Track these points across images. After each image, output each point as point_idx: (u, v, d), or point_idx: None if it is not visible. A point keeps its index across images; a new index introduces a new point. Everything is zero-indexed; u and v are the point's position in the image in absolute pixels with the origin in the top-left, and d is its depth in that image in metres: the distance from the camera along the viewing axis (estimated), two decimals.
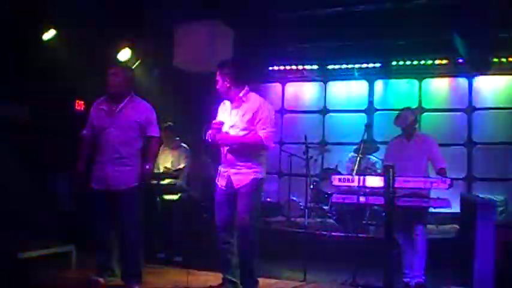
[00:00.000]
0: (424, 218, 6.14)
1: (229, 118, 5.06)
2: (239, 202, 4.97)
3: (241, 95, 5.02)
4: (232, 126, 5.01)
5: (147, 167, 5.27)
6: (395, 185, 5.57)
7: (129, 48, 8.50)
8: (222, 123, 5.00)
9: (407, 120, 6.33)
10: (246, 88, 5.06)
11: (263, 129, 4.91)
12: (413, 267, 6.09)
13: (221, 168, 5.14)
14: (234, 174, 4.97)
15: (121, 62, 8.37)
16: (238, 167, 4.98)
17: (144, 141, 5.32)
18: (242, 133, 4.96)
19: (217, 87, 5.05)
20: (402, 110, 6.57)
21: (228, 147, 5.00)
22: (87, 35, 7.53)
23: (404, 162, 6.18)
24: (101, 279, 5.18)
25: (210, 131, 5.03)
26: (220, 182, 5.11)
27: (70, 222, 6.94)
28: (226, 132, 4.98)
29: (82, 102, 8.39)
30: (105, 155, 5.17)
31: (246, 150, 4.95)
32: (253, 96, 5.07)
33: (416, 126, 6.56)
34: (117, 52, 8.41)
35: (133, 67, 8.62)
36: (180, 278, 5.74)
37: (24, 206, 6.84)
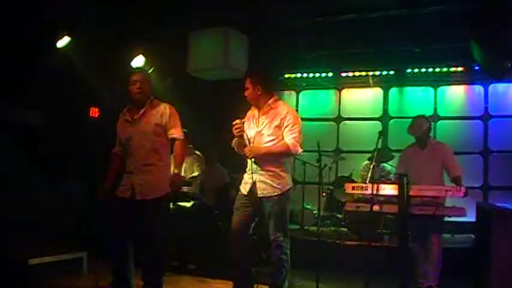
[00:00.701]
0: (439, 226, 6.08)
1: (257, 125, 5.09)
2: (268, 219, 5.02)
3: (270, 102, 5.08)
4: (259, 133, 5.04)
5: (176, 172, 5.19)
6: (410, 193, 5.55)
7: (143, 55, 8.52)
8: (242, 122, 5.00)
9: (422, 128, 6.28)
10: (275, 96, 5.15)
11: (290, 135, 4.96)
12: (427, 276, 6.03)
13: (245, 175, 5.14)
14: (260, 182, 4.99)
15: (136, 68, 8.39)
16: (265, 175, 4.98)
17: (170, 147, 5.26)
18: (269, 139, 5.00)
19: (247, 94, 5.10)
20: (416, 118, 6.51)
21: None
22: (101, 42, 7.56)
23: (419, 170, 6.14)
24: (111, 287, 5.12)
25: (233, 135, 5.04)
26: (243, 188, 5.11)
27: (83, 229, 6.95)
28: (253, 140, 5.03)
29: (96, 109, 8.43)
30: (132, 164, 5.10)
31: (273, 157, 4.99)
32: (281, 103, 5.15)
33: (431, 134, 6.50)
34: (131, 59, 8.43)
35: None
36: (193, 286, 5.72)
37: (38, 213, 6.86)
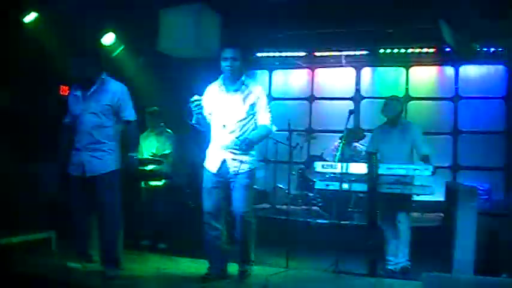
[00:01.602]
0: (407, 205, 6.16)
1: (224, 100, 5.03)
2: (238, 193, 5.01)
3: (243, 78, 5.05)
4: (231, 109, 5.00)
5: (132, 155, 5.21)
6: (379, 172, 5.62)
7: (114, 32, 8.42)
8: (199, 99, 4.88)
9: (395, 110, 6.34)
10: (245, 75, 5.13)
11: (266, 114, 5.04)
12: (397, 254, 6.13)
13: (213, 152, 5.11)
14: (232, 160, 4.98)
15: (103, 46, 8.29)
16: (236, 152, 4.97)
17: (123, 127, 5.23)
18: (242, 117, 4.97)
19: (232, 65, 4.95)
20: (389, 99, 6.55)
21: (227, 131, 4.97)
22: (71, 18, 7.41)
23: (389, 149, 6.22)
24: (79, 265, 5.15)
25: (193, 110, 4.91)
26: (212, 167, 5.08)
27: (52, 209, 6.89)
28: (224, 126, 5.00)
29: (66, 87, 8.30)
30: (81, 141, 5.08)
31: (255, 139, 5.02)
32: (251, 81, 5.15)
33: (402, 114, 6.56)
34: (102, 36, 8.32)
35: (117, 52, 8.58)
36: (163, 265, 5.73)
37: (5, 193, 6.78)
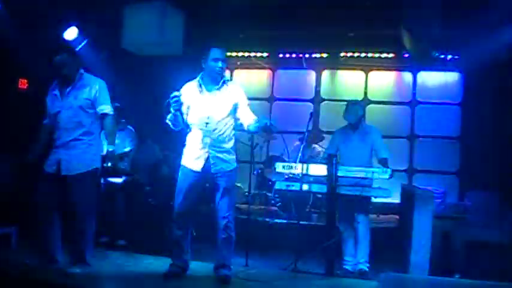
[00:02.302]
0: (366, 207, 6.28)
1: (206, 99, 5.01)
2: (221, 194, 5.04)
3: (226, 78, 5.14)
4: (214, 109, 4.98)
5: (109, 149, 5.16)
6: (338, 174, 5.72)
7: (76, 27, 8.32)
8: (179, 96, 4.86)
9: (357, 115, 6.44)
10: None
11: (250, 113, 5.08)
12: (356, 255, 6.23)
13: (193, 151, 5.06)
14: (214, 158, 4.99)
15: (65, 41, 8.18)
16: (220, 151, 5.02)
17: (99, 121, 5.19)
18: (224, 116, 4.99)
19: (219, 67, 4.97)
20: (350, 103, 6.64)
21: (215, 131, 4.97)
22: (32, 10, 7.31)
23: (349, 152, 6.34)
24: (39, 263, 5.07)
25: (172, 106, 4.89)
26: (194, 165, 5.04)
27: (10, 204, 6.77)
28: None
29: (25, 80, 8.17)
30: (60, 138, 5.03)
31: (229, 135, 5.09)
32: (232, 82, 5.27)
33: (363, 118, 6.68)
34: (64, 30, 8.22)
35: (79, 46, 8.47)
36: (123, 261, 5.70)
37: None
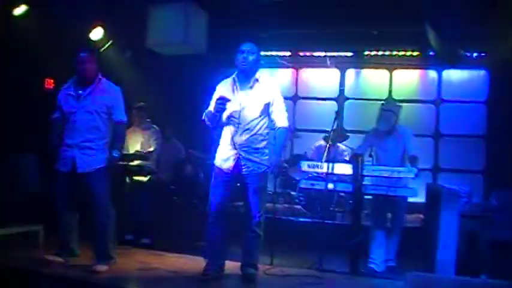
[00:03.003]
0: (399, 206, 6.29)
1: (238, 98, 4.94)
2: (250, 196, 4.98)
3: (257, 76, 5.00)
4: (245, 107, 4.93)
5: (115, 154, 5.23)
6: (364, 173, 5.71)
7: (102, 27, 8.40)
8: (227, 100, 4.85)
9: (391, 122, 6.38)
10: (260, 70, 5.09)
11: (282, 114, 5.00)
12: (384, 255, 6.23)
13: (225, 150, 5.02)
14: (245, 159, 4.92)
15: (91, 41, 8.26)
16: (251, 152, 4.95)
17: (112, 126, 5.28)
18: (256, 115, 4.91)
19: (247, 61, 4.93)
20: (383, 110, 6.53)
21: (247, 131, 4.92)
22: (59, 12, 7.39)
23: (383, 155, 6.33)
24: (60, 259, 5.18)
25: (214, 109, 4.91)
26: (224, 166, 5.00)
27: (37, 203, 6.86)
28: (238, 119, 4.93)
29: (52, 80, 8.27)
30: (73, 138, 5.12)
31: (263, 137, 5.00)
32: (266, 78, 5.11)
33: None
34: (89, 31, 8.31)
35: (105, 47, 8.55)
36: (148, 259, 5.75)
37: None
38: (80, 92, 5.14)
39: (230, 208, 5.23)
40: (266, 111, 4.96)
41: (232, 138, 4.96)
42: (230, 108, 4.92)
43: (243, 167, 4.93)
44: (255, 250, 5.13)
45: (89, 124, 5.10)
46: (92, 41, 8.31)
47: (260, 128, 4.97)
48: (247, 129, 4.92)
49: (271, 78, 5.17)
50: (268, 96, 4.96)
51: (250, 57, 4.92)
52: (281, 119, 4.99)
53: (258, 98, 4.94)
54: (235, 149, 4.95)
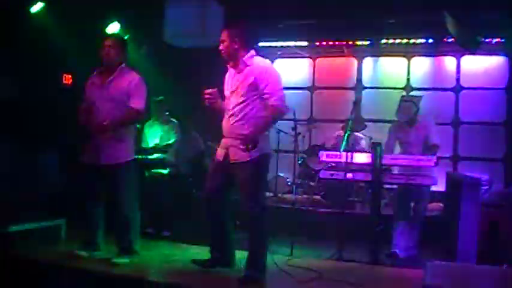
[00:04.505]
0: (422, 195, 6.35)
1: (232, 85, 4.77)
2: (240, 187, 4.70)
3: (245, 58, 4.70)
4: (233, 92, 4.72)
5: (107, 121, 5.02)
6: (383, 162, 5.71)
7: (118, 22, 8.44)
8: (214, 92, 4.74)
9: (410, 113, 6.37)
10: (252, 52, 4.76)
11: (272, 95, 4.55)
12: (405, 241, 6.27)
13: (222, 140, 4.86)
14: (232, 147, 4.65)
15: (110, 34, 8.31)
16: (237, 139, 4.60)
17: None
18: (241, 100, 4.62)
19: (222, 48, 4.72)
20: (403, 101, 6.54)
21: (232, 117, 4.69)
22: (76, 8, 7.45)
23: (407, 147, 6.34)
24: (85, 253, 5.23)
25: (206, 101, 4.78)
26: (218, 154, 4.86)
27: (60, 197, 6.95)
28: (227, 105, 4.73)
29: (69, 76, 8.34)
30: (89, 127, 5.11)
31: (250, 122, 4.62)
32: (258, 59, 4.75)
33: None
34: (106, 26, 8.35)
35: None
36: (170, 251, 5.80)
37: (13, 181, 6.83)
38: (104, 80, 5.16)
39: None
40: (252, 94, 4.62)
41: (223, 126, 4.82)
42: (225, 95, 4.85)
43: (231, 155, 4.69)
44: (252, 249, 4.72)
45: (111, 112, 5.08)
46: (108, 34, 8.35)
47: (246, 114, 4.64)
48: (232, 114, 4.69)
49: (265, 60, 4.81)
50: (252, 77, 4.60)
51: (224, 44, 4.71)
52: (270, 98, 4.57)
53: (242, 82, 4.66)
54: (225, 137, 4.80)
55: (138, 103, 5.18)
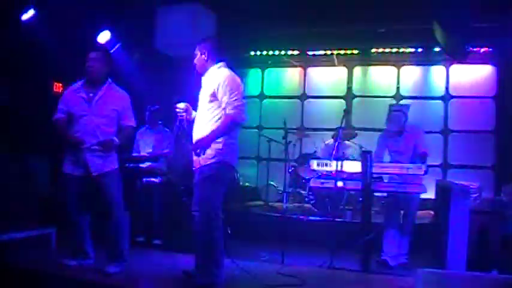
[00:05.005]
0: (411, 203, 6.39)
1: (200, 94, 4.87)
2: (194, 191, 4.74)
3: (210, 70, 4.82)
4: (200, 104, 4.82)
5: (116, 140, 5.16)
6: (373, 171, 5.74)
7: (109, 30, 8.44)
8: (184, 106, 4.88)
9: (400, 122, 6.42)
10: (221, 64, 4.84)
11: (228, 104, 4.57)
12: (396, 249, 6.32)
13: None
14: (195, 153, 4.69)
15: (100, 44, 8.31)
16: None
17: (119, 129, 5.29)
18: (205, 109, 4.71)
19: (195, 61, 4.90)
20: (393, 110, 6.58)
21: (196, 125, 4.78)
22: (67, 16, 7.44)
23: (396, 156, 6.36)
24: (74, 262, 5.22)
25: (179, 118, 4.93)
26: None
27: (49, 205, 6.92)
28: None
29: (60, 84, 8.32)
30: (84, 141, 5.10)
31: (211, 129, 4.63)
32: (221, 70, 4.78)
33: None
34: (97, 34, 8.35)
35: (113, 50, 8.60)
36: (161, 260, 5.79)
37: (2, 189, 6.80)
38: (91, 94, 5.16)
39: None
40: (212, 104, 4.69)
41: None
42: None
43: (195, 163, 4.77)
44: (197, 254, 4.71)
45: (100, 127, 5.12)
46: (100, 43, 8.36)
47: (206, 123, 4.70)
48: (196, 123, 4.82)
49: (228, 70, 4.83)
50: (213, 87, 4.66)
51: (196, 58, 4.90)
52: (226, 108, 4.60)
53: (205, 92, 4.76)
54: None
55: (132, 121, 5.37)
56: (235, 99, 4.60)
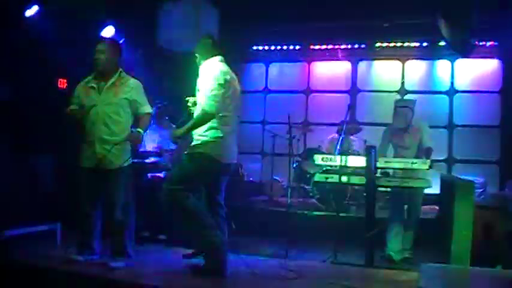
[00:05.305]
0: (416, 198, 6.38)
1: None
2: None
3: (204, 63, 5.03)
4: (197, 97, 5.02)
5: (139, 130, 5.20)
6: (377, 165, 5.73)
7: (113, 26, 8.43)
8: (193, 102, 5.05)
9: (407, 119, 6.40)
10: (215, 58, 5.00)
11: (204, 95, 4.76)
12: (400, 244, 6.33)
13: None
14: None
15: (106, 38, 8.30)
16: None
17: (136, 119, 5.31)
18: (199, 100, 4.89)
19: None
20: (398, 107, 6.56)
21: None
22: (71, 11, 7.44)
23: (401, 152, 6.35)
24: (81, 258, 5.21)
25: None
26: None
27: (52, 203, 6.93)
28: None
29: (65, 80, 8.32)
30: (95, 133, 5.12)
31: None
32: (207, 64, 4.99)
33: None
34: (101, 29, 8.34)
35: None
36: (164, 255, 5.80)
37: (7, 185, 6.81)
38: (102, 84, 5.17)
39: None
40: (200, 96, 4.92)
41: None
42: None
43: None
44: (186, 232, 5.23)
45: (110, 117, 5.12)
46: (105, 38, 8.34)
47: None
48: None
49: (213, 64, 4.95)
50: (199, 81, 4.98)
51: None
52: (202, 101, 4.81)
53: (197, 85, 5.00)
54: None
55: (148, 108, 5.37)
56: (210, 95, 4.73)
